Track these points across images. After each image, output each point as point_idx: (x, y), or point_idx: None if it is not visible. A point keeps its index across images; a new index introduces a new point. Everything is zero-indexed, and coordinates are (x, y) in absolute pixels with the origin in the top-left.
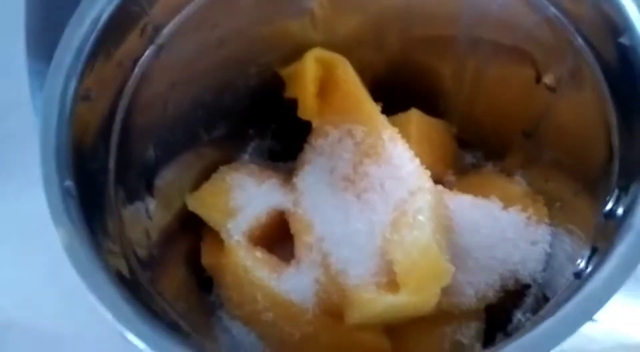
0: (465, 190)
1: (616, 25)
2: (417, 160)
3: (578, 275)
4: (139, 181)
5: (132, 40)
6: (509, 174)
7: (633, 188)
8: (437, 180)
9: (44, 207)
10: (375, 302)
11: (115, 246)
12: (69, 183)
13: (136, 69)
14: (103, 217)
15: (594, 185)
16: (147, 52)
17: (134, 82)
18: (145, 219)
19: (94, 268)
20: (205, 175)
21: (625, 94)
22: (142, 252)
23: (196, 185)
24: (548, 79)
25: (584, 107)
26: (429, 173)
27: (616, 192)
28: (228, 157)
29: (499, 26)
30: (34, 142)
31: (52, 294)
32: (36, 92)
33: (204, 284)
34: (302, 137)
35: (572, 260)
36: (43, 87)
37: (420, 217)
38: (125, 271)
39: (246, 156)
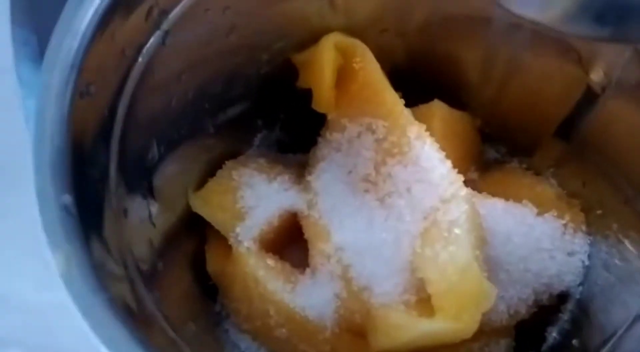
0: (490, 189)
1: None
2: (449, 163)
3: None
4: (141, 184)
5: (137, 24)
6: (536, 172)
7: None
8: None
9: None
10: (406, 328)
11: (119, 267)
12: (67, 198)
13: (140, 58)
14: (104, 234)
15: None
16: (152, 39)
17: (137, 72)
18: (149, 227)
19: (97, 302)
20: (210, 171)
21: None
22: (145, 267)
23: (200, 182)
24: (596, 77)
25: (635, 116)
26: (462, 178)
27: None
28: (234, 149)
29: None
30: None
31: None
32: (20, 61)
33: (210, 292)
34: (313, 128)
35: (628, 288)
36: (29, 57)
37: (457, 231)
38: (129, 298)
39: (254, 149)
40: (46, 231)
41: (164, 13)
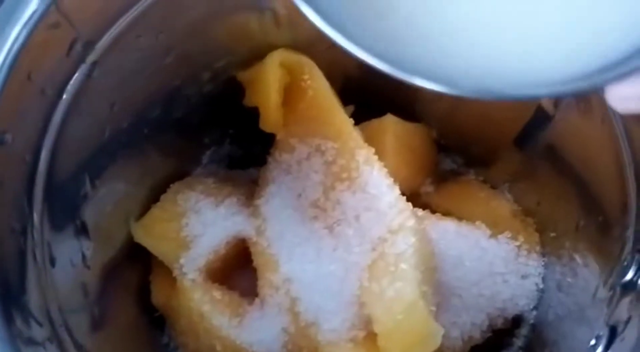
0: (445, 203)
1: None
2: (397, 190)
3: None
4: (72, 226)
5: (58, 60)
6: (493, 186)
7: None
8: (414, 191)
9: None
10: None
11: (42, 328)
12: None
13: (64, 95)
14: (25, 294)
15: (603, 230)
16: (77, 73)
17: (61, 110)
18: (81, 270)
19: None
20: (155, 195)
21: None
22: (78, 320)
23: (144, 209)
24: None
25: (590, 137)
26: (410, 206)
27: (637, 258)
28: (182, 169)
29: None
30: None
31: None
32: None
33: (158, 322)
34: (266, 140)
35: (581, 323)
36: None
37: (404, 266)
38: None
39: (202, 167)
40: None
41: (90, 44)
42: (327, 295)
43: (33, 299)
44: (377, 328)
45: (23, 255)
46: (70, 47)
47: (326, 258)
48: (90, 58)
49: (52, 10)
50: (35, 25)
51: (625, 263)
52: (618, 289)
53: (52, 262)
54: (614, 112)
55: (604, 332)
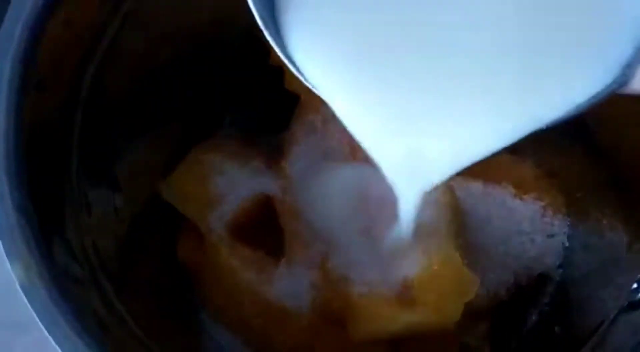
0: (469, 169)
1: None
2: None
3: (635, 306)
4: (105, 176)
5: (94, 8)
6: (514, 151)
7: None
8: None
9: None
10: (388, 319)
11: (84, 270)
12: (25, 200)
13: (99, 43)
14: (66, 235)
15: (627, 191)
16: (111, 22)
17: (97, 59)
18: (114, 220)
19: (61, 315)
20: (179, 155)
21: None
22: (113, 266)
23: (168, 168)
24: None
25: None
26: None
27: None
28: (204, 130)
29: None
30: None
31: None
32: None
33: (183, 281)
34: (289, 106)
35: (615, 274)
36: None
37: (438, 220)
38: (96, 304)
39: (224, 130)
40: (3, 240)
41: None
42: (359, 249)
43: (73, 238)
44: (413, 280)
45: (63, 197)
46: None
47: (356, 213)
48: (124, 7)
49: None
50: None
51: None
52: None
53: (88, 207)
54: None
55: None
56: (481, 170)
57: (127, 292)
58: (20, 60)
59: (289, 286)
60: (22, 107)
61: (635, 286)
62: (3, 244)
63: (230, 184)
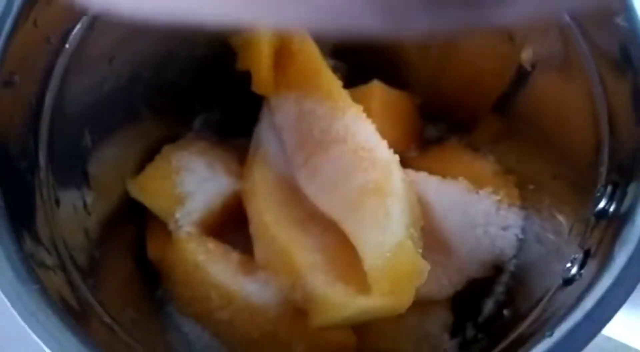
0: (429, 166)
1: (611, 3)
2: (385, 144)
3: (569, 281)
4: (74, 173)
5: (62, 10)
6: (475, 149)
7: (632, 189)
8: (399, 156)
9: None
10: (344, 305)
11: (51, 257)
12: None
13: (67, 45)
14: (34, 224)
15: (578, 173)
16: (79, 24)
17: (64, 59)
18: (83, 215)
19: (26, 292)
20: (149, 156)
21: (618, 81)
22: (81, 257)
23: (139, 168)
24: (526, 55)
25: (568, 90)
26: (398, 158)
27: (609, 189)
28: (173, 134)
29: None
30: None
31: None
32: None
33: (152, 277)
34: (255, 109)
35: (557, 258)
36: None
37: (392, 210)
38: (64, 288)
39: (193, 132)
40: None
41: None
42: (317, 243)
43: (41, 229)
44: (366, 266)
45: (32, 190)
46: None
47: (316, 216)
48: (90, 12)
49: None
50: None
51: (598, 194)
52: (592, 219)
53: (57, 202)
54: (590, 62)
55: (579, 256)
56: (441, 167)
57: (95, 281)
58: None
59: (254, 278)
60: None
61: (568, 265)
62: None
63: (198, 181)
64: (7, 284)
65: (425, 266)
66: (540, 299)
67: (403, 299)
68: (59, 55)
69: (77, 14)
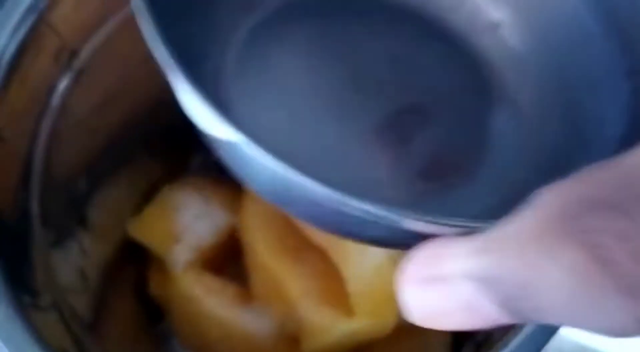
0: None
1: None
2: None
3: None
4: (70, 217)
5: (46, 68)
6: None
7: None
8: None
9: None
10: (329, 328)
11: (46, 300)
12: None
13: (53, 101)
14: (28, 271)
15: None
16: (64, 80)
17: (52, 113)
18: (79, 258)
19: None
20: (147, 197)
21: None
22: (79, 300)
23: (137, 209)
24: None
25: None
26: None
27: None
28: (172, 174)
29: None
30: None
31: None
32: None
33: (155, 313)
34: None
35: None
36: None
37: None
38: (61, 334)
39: (191, 172)
40: None
41: (74, 53)
42: (310, 276)
43: (36, 272)
44: (349, 288)
45: (25, 235)
46: (57, 55)
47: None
48: (76, 65)
49: (39, 21)
50: (25, 35)
51: None
52: None
53: (53, 245)
54: None
55: None
56: None
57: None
58: None
59: (251, 310)
60: None
61: None
62: None
63: (195, 217)
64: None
65: None
66: None
67: (386, 320)
68: (45, 111)
69: (62, 71)
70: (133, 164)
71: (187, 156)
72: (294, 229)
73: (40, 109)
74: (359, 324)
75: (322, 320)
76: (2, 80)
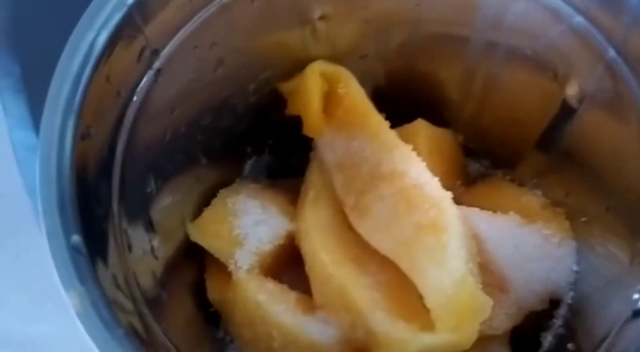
0: (476, 202)
1: None
2: (437, 180)
3: (637, 313)
4: (142, 218)
5: (130, 65)
6: (520, 183)
7: None
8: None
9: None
10: (408, 343)
11: (128, 300)
12: (76, 238)
13: (135, 97)
14: (112, 270)
15: (633, 205)
16: (145, 78)
17: (133, 111)
18: (151, 259)
19: (112, 337)
20: (206, 200)
21: None
22: (151, 301)
23: (197, 212)
24: (571, 91)
25: (620, 127)
26: (450, 194)
27: None
28: (226, 178)
29: (517, 32)
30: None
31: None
32: (4, 91)
33: (213, 318)
34: (301, 150)
35: (619, 289)
36: (40, 125)
37: (450, 246)
38: (141, 331)
39: (244, 176)
40: (59, 272)
41: (155, 52)
42: (375, 285)
43: (118, 274)
44: (429, 304)
45: (106, 237)
46: (140, 54)
47: (370, 256)
48: (156, 65)
49: (128, 20)
50: (114, 34)
51: None
52: None
53: (130, 247)
54: None
55: None
56: (488, 202)
57: (164, 323)
58: (69, 114)
59: (315, 317)
60: (72, 157)
61: (637, 295)
62: (59, 277)
63: (254, 223)
64: (94, 329)
65: (487, 301)
66: (607, 333)
67: (468, 335)
68: (128, 107)
69: (143, 69)
70: (192, 167)
71: (241, 160)
72: (355, 237)
73: (123, 106)
74: (441, 339)
75: (401, 334)
76: (90, 79)
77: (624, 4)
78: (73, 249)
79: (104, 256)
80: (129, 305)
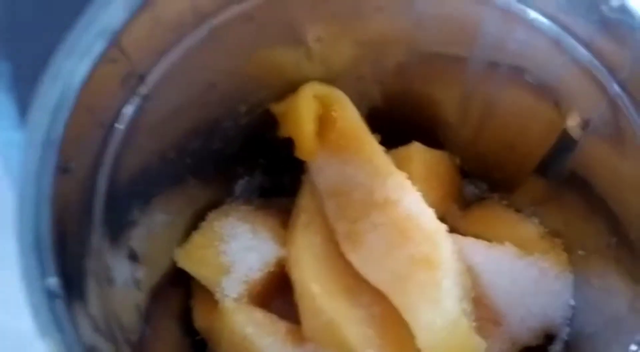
0: (472, 227)
1: None
2: (431, 212)
3: None
4: (125, 250)
5: (114, 92)
6: (517, 209)
7: None
8: (440, 217)
9: None
10: None
11: (108, 344)
12: (53, 281)
13: (118, 126)
14: (91, 312)
15: (633, 246)
16: (130, 105)
17: (117, 140)
18: (135, 292)
19: None
20: (195, 223)
21: None
22: (134, 334)
23: (186, 236)
24: (572, 122)
25: (622, 160)
26: (445, 227)
27: None
28: (217, 199)
29: (518, 58)
30: None
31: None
32: None
33: (199, 345)
34: (294, 170)
35: (618, 329)
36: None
37: (444, 284)
38: None
39: (235, 197)
40: (35, 318)
41: (142, 78)
42: (365, 322)
43: (97, 312)
44: (419, 344)
45: (85, 276)
46: (125, 80)
47: (362, 287)
48: (142, 91)
49: (112, 45)
50: (97, 60)
51: None
52: None
53: (112, 281)
54: None
55: None
56: (485, 228)
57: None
58: (47, 147)
59: (304, 351)
60: (49, 191)
61: (634, 347)
62: (35, 323)
63: (243, 249)
64: None
65: (481, 344)
66: None
67: None
68: (111, 137)
69: (129, 96)
70: (181, 190)
71: (232, 181)
72: (347, 264)
73: (105, 136)
74: None
75: None
76: (70, 110)
77: (629, 39)
78: (49, 293)
79: (83, 297)
80: (109, 349)
